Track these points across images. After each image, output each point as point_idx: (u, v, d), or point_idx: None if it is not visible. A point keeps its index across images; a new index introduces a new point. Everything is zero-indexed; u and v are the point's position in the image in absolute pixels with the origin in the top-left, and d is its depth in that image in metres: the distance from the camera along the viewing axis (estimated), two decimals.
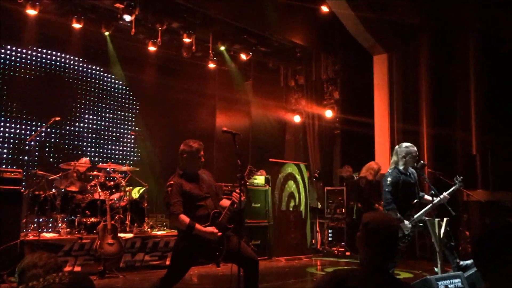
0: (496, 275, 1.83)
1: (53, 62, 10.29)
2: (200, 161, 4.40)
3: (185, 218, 4.13)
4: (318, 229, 10.67)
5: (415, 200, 5.73)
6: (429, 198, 5.79)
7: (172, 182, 4.26)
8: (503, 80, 9.24)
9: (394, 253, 2.40)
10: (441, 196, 5.60)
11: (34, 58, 9.99)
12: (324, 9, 10.33)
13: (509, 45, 9.18)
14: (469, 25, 9.59)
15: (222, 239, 4.18)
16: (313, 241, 10.48)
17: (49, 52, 10.21)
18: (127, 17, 8.77)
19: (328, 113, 11.67)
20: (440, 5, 9.49)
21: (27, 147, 9.36)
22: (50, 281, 2.35)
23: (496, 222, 1.99)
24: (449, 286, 3.94)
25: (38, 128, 9.07)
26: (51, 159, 9.78)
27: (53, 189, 7.97)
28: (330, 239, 10.51)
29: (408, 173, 5.77)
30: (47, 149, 9.74)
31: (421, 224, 5.63)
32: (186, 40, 9.72)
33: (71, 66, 10.53)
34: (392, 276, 2.31)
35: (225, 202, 4.46)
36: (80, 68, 10.67)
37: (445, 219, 5.42)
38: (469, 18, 9.55)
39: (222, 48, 10.47)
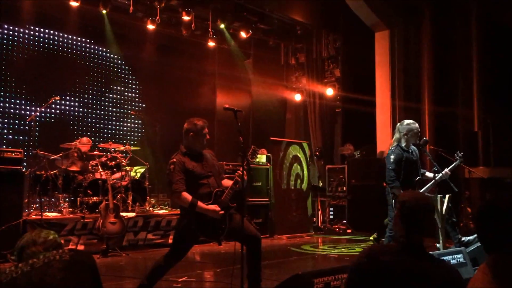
0: (498, 249, 1.83)
1: (51, 41, 10.18)
2: (205, 139, 4.37)
3: (187, 196, 4.11)
4: (319, 207, 10.70)
5: (418, 178, 5.73)
6: (431, 175, 5.78)
7: (174, 160, 4.23)
8: (506, 57, 9.17)
9: (431, 229, 2.48)
10: (443, 172, 5.60)
11: (32, 37, 9.88)
12: None
13: (510, 21, 9.09)
14: (470, 3, 9.47)
15: (224, 217, 4.17)
16: (314, 219, 10.53)
17: (46, 31, 10.08)
18: None
19: (329, 91, 11.61)
20: None
21: (27, 127, 9.33)
22: (51, 258, 2.34)
23: (498, 197, 1.98)
24: (451, 261, 3.96)
25: (38, 108, 9.02)
26: (52, 139, 9.75)
27: (55, 169, 7.96)
28: (331, 217, 10.55)
29: (410, 151, 5.75)
30: (47, 129, 9.71)
31: None
32: (185, 18, 9.60)
33: (70, 45, 10.42)
34: (426, 251, 2.35)
35: (227, 182, 4.45)
36: (79, 47, 10.55)
37: (447, 196, 5.44)
38: None
39: (222, 26, 10.35)
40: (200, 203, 4.11)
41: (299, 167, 9.98)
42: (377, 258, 2.24)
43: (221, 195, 4.24)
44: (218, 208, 4.14)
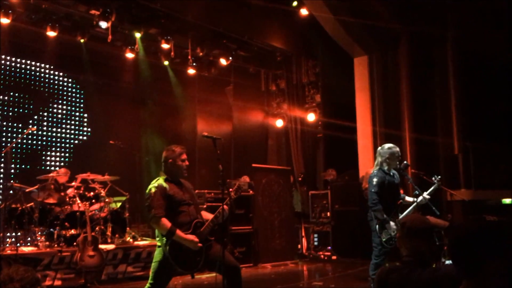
0: (474, 274, 1.81)
1: (27, 71, 10.06)
2: (184, 165, 4.36)
3: (166, 222, 4.02)
4: (303, 234, 10.58)
5: (400, 201, 5.70)
6: (410, 199, 5.78)
7: (155, 184, 4.19)
8: (482, 82, 9.33)
9: (432, 247, 2.75)
10: (421, 198, 5.59)
11: (8, 67, 9.76)
12: (304, 12, 10.30)
13: (486, 48, 9.29)
14: (447, 29, 9.68)
15: (201, 250, 4.08)
16: (299, 246, 10.39)
17: (23, 61, 9.98)
18: (103, 24, 8.59)
19: (311, 117, 11.64)
20: (418, 10, 9.55)
21: (2, 159, 9.11)
22: None
23: (471, 221, 2.00)
24: None
25: (14, 140, 8.83)
26: (28, 171, 9.54)
27: (31, 202, 7.74)
28: (316, 243, 10.43)
29: (391, 174, 5.74)
30: (23, 161, 9.50)
31: None
32: (165, 46, 9.59)
33: (46, 75, 10.31)
34: (431, 267, 2.59)
35: (206, 215, 4.39)
36: (55, 77, 10.43)
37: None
38: (446, 23, 9.65)
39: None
40: (178, 231, 4.01)
41: (278, 191, 9.87)
42: (387, 280, 2.51)
43: (201, 227, 4.16)
44: (196, 239, 4.04)
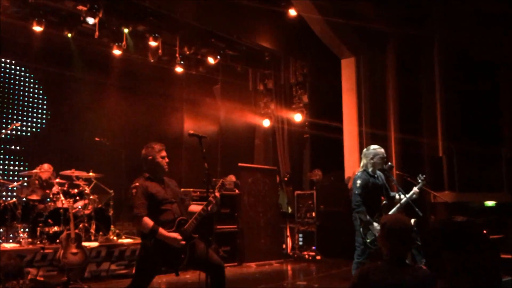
0: (443, 271, 1.87)
1: (10, 65, 9.96)
2: (164, 162, 4.34)
3: (148, 221, 4.01)
4: (288, 234, 10.60)
5: (384, 202, 5.75)
6: (403, 196, 5.81)
7: (137, 184, 4.17)
8: (468, 84, 9.45)
9: (410, 246, 2.92)
10: (412, 191, 5.67)
11: None
12: (292, 12, 10.33)
13: (472, 51, 9.41)
14: (433, 32, 9.78)
15: (185, 248, 4.07)
16: (284, 245, 10.40)
17: (8, 60, 9.88)
18: (91, 20, 8.54)
19: (297, 117, 11.68)
20: (405, 13, 9.64)
21: None
22: None
23: (439, 221, 2.06)
24: None
25: None
26: (11, 167, 9.43)
27: (14, 198, 7.65)
28: (300, 243, 10.46)
29: (376, 176, 5.79)
30: (7, 156, 9.39)
31: None
32: (152, 43, 9.54)
33: (31, 69, 10.20)
34: (411, 265, 2.71)
35: (194, 208, 4.38)
36: (40, 72, 10.32)
37: (412, 220, 5.45)
38: (433, 26, 9.75)
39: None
40: (161, 230, 4.00)
41: (264, 190, 9.87)
42: (368, 278, 2.56)
43: (184, 224, 4.15)
44: (179, 237, 4.03)
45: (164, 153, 4.35)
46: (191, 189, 8.54)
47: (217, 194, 4.26)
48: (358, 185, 5.59)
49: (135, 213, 4.03)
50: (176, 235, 4.03)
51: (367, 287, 2.53)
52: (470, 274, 1.73)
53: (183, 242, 4.04)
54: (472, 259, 1.74)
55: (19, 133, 9.76)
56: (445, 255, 1.73)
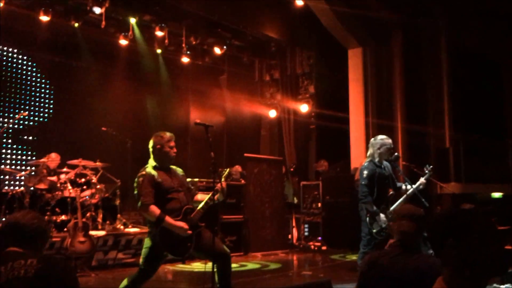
0: (451, 263, 1.85)
1: (17, 55, 9.98)
2: (172, 152, 4.34)
3: (155, 209, 4.02)
4: (294, 224, 10.62)
5: (391, 193, 5.73)
6: (409, 187, 5.79)
7: (143, 172, 4.17)
8: (474, 76, 9.40)
9: (421, 233, 2.83)
10: (419, 182, 5.62)
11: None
12: (299, 2, 10.26)
13: (478, 41, 9.34)
14: (440, 23, 9.72)
15: (191, 236, 4.09)
16: (290, 236, 10.44)
17: (15, 50, 9.89)
18: (97, 10, 8.53)
19: (304, 108, 11.65)
20: (412, 2, 9.58)
21: None
22: (15, 274, 2.18)
23: (446, 209, 2.05)
24: None
25: (5, 124, 8.77)
26: (19, 156, 9.50)
27: (22, 187, 7.71)
28: (306, 234, 10.49)
29: (382, 166, 5.77)
30: (15, 145, 9.46)
31: None
32: (159, 33, 9.52)
33: (38, 59, 10.22)
34: (421, 253, 2.71)
35: (201, 197, 4.41)
36: (46, 62, 10.34)
37: None
38: (439, 16, 9.68)
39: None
40: (168, 218, 4.02)
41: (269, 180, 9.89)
42: (376, 262, 2.56)
43: (191, 213, 4.17)
44: (186, 226, 4.05)
45: (172, 143, 4.35)
46: (197, 179, 8.57)
47: (224, 183, 4.28)
48: (365, 175, 5.58)
49: (142, 201, 4.05)
50: (182, 223, 4.05)
51: (376, 273, 2.52)
52: (476, 263, 1.72)
53: (190, 231, 4.06)
54: (478, 248, 1.73)
55: (26, 122, 9.81)
56: (450, 243, 1.71)
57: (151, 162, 4.30)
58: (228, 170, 4.48)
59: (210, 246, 4.03)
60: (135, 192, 4.15)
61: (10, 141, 9.51)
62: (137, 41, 9.98)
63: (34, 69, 10.23)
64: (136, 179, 4.18)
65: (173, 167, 4.44)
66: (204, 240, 4.15)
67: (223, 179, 4.34)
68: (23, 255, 2.27)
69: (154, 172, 4.20)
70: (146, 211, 4.05)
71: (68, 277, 2.30)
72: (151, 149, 4.34)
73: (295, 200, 11.03)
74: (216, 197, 4.21)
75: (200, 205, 4.23)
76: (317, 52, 11.51)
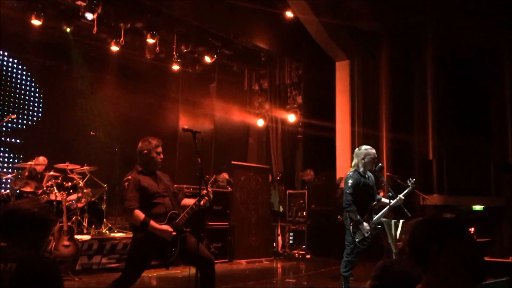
0: (429, 269, 1.88)
1: (7, 58, 9.99)
2: (159, 158, 4.38)
3: (139, 214, 4.06)
4: (279, 232, 10.70)
5: (374, 203, 5.85)
6: (386, 201, 5.91)
7: (129, 177, 4.20)
8: (460, 87, 9.58)
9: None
10: (397, 198, 5.73)
11: None
12: (289, 14, 10.44)
13: (464, 53, 9.53)
14: (426, 35, 9.92)
15: (176, 241, 4.12)
16: (274, 244, 10.50)
17: (6, 53, 9.90)
18: (89, 15, 8.59)
19: (291, 117, 11.78)
20: (398, 14, 9.77)
21: None
22: None
23: (427, 217, 2.07)
24: None
25: None
26: (5, 158, 9.47)
27: (7, 190, 7.69)
28: (291, 242, 10.56)
29: (367, 176, 5.88)
30: (1, 148, 9.43)
31: (379, 226, 5.74)
32: (150, 40, 9.60)
33: (27, 62, 10.23)
34: None
35: (187, 202, 4.43)
36: (36, 65, 10.35)
37: (401, 221, 5.56)
38: (426, 28, 9.88)
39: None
40: (152, 222, 4.05)
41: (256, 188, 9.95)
42: (392, 268, 2.38)
43: (176, 218, 4.21)
44: (170, 229, 4.09)
45: (160, 149, 4.39)
46: (184, 185, 8.61)
47: (210, 189, 4.31)
48: (349, 184, 5.68)
49: (126, 206, 4.07)
50: (167, 227, 4.08)
51: (391, 278, 2.43)
52: (459, 269, 1.77)
53: (174, 234, 4.10)
54: (462, 254, 1.78)
55: (14, 125, 9.80)
56: (435, 250, 1.76)
57: (137, 167, 4.34)
58: (214, 176, 4.53)
59: (194, 251, 4.05)
60: (120, 196, 4.19)
61: None
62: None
63: (24, 72, 10.24)
64: (121, 183, 4.22)
65: (159, 172, 4.48)
66: (189, 246, 4.18)
67: (208, 185, 4.39)
68: (4, 253, 2.00)
69: (139, 177, 4.23)
70: (131, 216, 4.08)
71: (50, 274, 2.03)
72: (138, 153, 4.38)
73: (281, 209, 11.12)
74: (202, 202, 4.23)
75: (186, 211, 4.27)
76: (305, 63, 11.67)
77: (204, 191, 4.25)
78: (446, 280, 1.83)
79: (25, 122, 10.07)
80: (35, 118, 10.23)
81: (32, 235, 2.16)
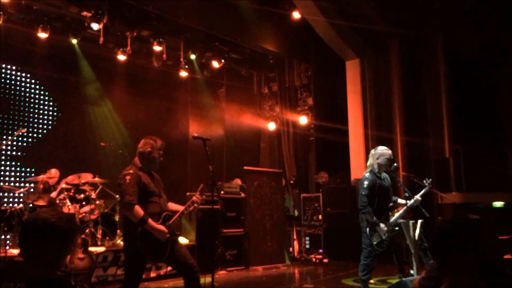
0: (452, 270, 1.82)
1: (16, 72, 10.02)
2: (159, 159, 4.35)
3: (139, 210, 4.01)
4: (295, 237, 10.56)
5: (390, 204, 5.71)
6: (403, 201, 5.78)
7: (131, 171, 4.14)
8: (473, 85, 9.40)
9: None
10: (413, 199, 5.59)
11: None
12: (296, 15, 10.33)
13: (476, 51, 9.36)
14: (437, 33, 9.75)
15: (167, 243, 4.07)
16: (291, 249, 10.37)
17: (13, 67, 9.93)
18: (95, 26, 8.56)
19: (303, 120, 11.65)
20: (409, 13, 9.61)
21: None
22: None
23: (451, 220, 1.98)
24: None
25: (3, 141, 8.77)
26: (17, 173, 9.47)
27: (20, 204, 7.68)
28: (307, 246, 10.42)
29: (382, 177, 5.75)
30: (13, 162, 9.44)
31: (396, 228, 5.60)
32: (157, 48, 9.56)
33: (37, 75, 10.25)
34: None
35: (173, 206, 4.42)
36: (45, 78, 10.36)
37: (419, 221, 5.41)
38: (437, 26, 9.72)
39: (193, 57, 10.38)
40: (150, 221, 4.00)
41: (270, 193, 9.83)
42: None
43: (169, 219, 4.18)
44: (166, 230, 4.05)
45: (161, 152, 4.37)
46: (194, 193, 8.51)
47: (198, 196, 4.32)
48: (365, 186, 5.56)
49: (127, 200, 3.99)
50: (163, 227, 4.05)
51: None
52: (479, 274, 1.71)
53: (168, 235, 4.05)
54: (487, 256, 1.72)
55: (25, 139, 9.80)
56: (455, 254, 1.69)
57: (137, 163, 4.26)
58: (202, 185, 4.47)
59: (181, 256, 4.08)
60: (120, 190, 4.11)
61: (9, 157, 9.50)
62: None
63: (33, 86, 10.25)
64: (121, 177, 4.13)
65: (154, 172, 4.42)
66: (177, 251, 4.15)
67: (197, 193, 4.37)
68: (17, 271, 1.94)
69: (140, 173, 4.17)
70: (131, 211, 3.99)
71: None
72: (139, 150, 4.33)
73: (296, 213, 10.98)
74: (191, 208, 4.26)
75: (177, 214, 4.24)
76: (315, 64, 11.53)
77: (194, 198, 4.29)
78: (470, 281, 1.77)
79: (35, 135, 10.05)
80: (45, 131, 10.21)
81: (52, 247, 2.05)
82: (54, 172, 8.21)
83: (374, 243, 5.44)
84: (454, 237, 1.85)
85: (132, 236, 4.00)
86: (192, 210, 4.32)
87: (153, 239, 3.98)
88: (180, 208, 4.32)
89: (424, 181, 5.84)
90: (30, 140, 9.95)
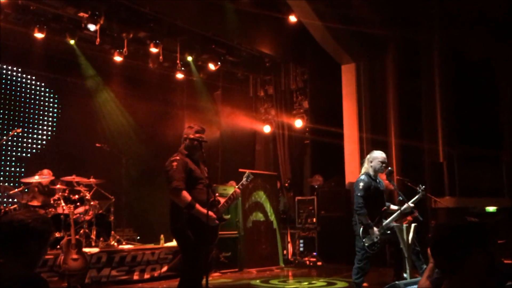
0: (454, 272, 1.84)
1: (11, 72, 10.00)
2: (201, 144, 4.37)
3: (187, 195, 4.04)
4: (289, 240, 10.57)
5: (384, 208, 5.75)
6: (395, 207, 5.83)
7: (177, 157, 4.21)
8: (468, 89, 9.46)
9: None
10: (405, 206, 5.64)
11: None
12: (292, 19, 10.37)
13: (472, 55, 9.42)
14: (433, 38, 9.81)
15: (217, 228, 4.14)
16: (285, 251, 10.38)
17: (9, 67, 9.91)
18: (92, 27, 8.57)
19: (298, 123, 11.68)
20: (405, 17, 9.67)
21: None
22: None
23: (453, 221, 2.01)
24: None
25: None
26: (12, 173, 9.45)
27: (14, 204, 7.66)
28: (301, 249, 10.44)
29: (377, 181, 5.80)
30: (8, 162, 9.42)
31: (388, 232, 5.64)
32: (153, 50, 9.57)
33: (30, 76, 10.23)
34: None
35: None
36: (40, 79, 10.34)
37: (412, 225, 5.46)
38: (433, 31, 9.78)
39: (189, 58, 10.40)
40: (198, 206, 4.03)
41: (264, 196, 9.83)
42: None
43: (217, 205, 4.22)
44: (214, 215, 4.07)
45: (200, 135, 4.38)
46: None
47: (237, 190, 4.45)
48: (361, 187, 5.61)
49: (174, 186, 4.04)
50: (211, 213, 4.06)
51: None
52: (480, 274, 1.72)
53: (217, 222, 4.09)
54: (484, 261, 1.73)
55: (20, 139, 9.78)
56: (456, 256, 1.70)
57: (183, 150, 4.32)
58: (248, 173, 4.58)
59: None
60: (167, 175, 4.13)
61: (3, 157, 9.47)
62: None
63: (29, 86, 10.24)
64: (167, 163, 4.17)
65: (200, 161, 4.47)
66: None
67: (239, 185, 4.54)
68: None
69: (186, 159, 4.22)
70: (178, 196, 4.03)
71: None
72: (183, 138, 4.41)
73: (289, 215, 10.96)
74: (235, 195, 4.38)
75: (225, 200, 4.32)
76: (311, 67, 11.57)
77: (237, 189, 4.46)
78: (471, 284, 1.79)
79: (30, 135, 10.04)
80: (40, 131, 10.20)
81: (28, 248, 2.06)
82: (46, 173, 8.17)
83: (366, 245, 5.48)
84: (455, 240, 1.86)
85: (180, 225, 4.03)
86: (234, 201, 4.41)
87: (201, 224, 3.99)
88: (224, 198, 4.39)
89: (418, 188, 5.87)
90: (25, 140, 9.93)
